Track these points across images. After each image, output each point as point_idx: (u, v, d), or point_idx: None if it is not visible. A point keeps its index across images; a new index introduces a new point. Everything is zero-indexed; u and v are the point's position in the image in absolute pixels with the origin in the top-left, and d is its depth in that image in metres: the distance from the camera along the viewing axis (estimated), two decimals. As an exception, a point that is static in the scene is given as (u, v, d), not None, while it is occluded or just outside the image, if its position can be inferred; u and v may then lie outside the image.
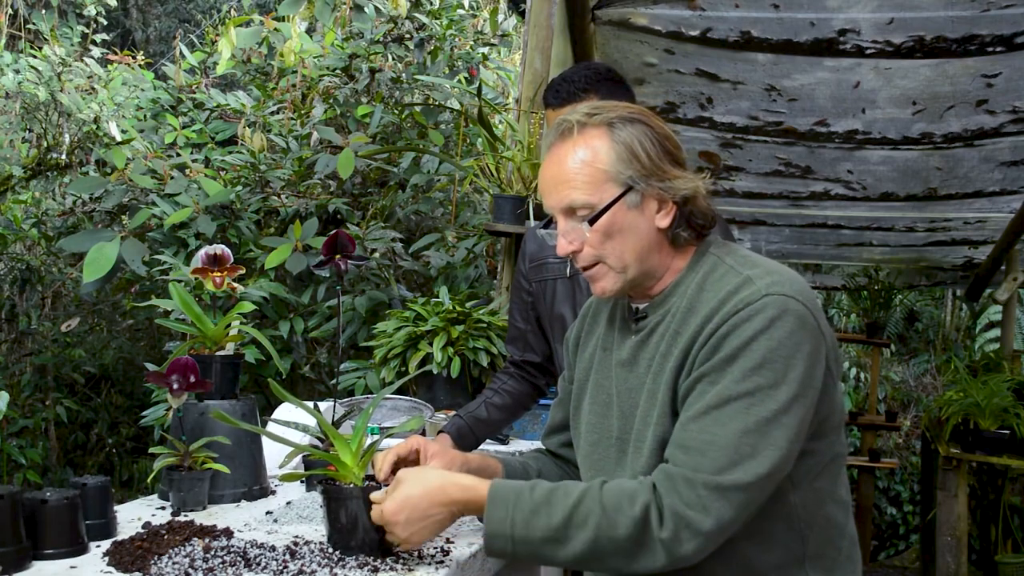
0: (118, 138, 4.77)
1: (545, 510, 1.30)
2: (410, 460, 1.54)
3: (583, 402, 1.56)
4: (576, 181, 1.38)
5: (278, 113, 4.93)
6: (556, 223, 1.44)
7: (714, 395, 1.29)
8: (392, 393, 2.61)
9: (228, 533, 1.57)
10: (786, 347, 1.28)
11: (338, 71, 4.85)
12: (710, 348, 1.31)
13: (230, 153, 4.69)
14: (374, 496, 1.44)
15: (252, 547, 1.48)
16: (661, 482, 1.29)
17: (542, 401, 2.48)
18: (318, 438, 1.81)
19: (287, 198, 4.28)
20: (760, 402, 1.27)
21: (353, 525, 1.46)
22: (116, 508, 1.64)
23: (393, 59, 4.88)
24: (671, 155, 1.40)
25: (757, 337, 1.28)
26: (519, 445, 2.64)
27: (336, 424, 1.84)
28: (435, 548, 1.53)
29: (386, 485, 1.47)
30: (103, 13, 6.17)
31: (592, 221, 1.38)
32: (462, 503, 1.38)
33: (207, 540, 1.50)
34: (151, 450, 1.83)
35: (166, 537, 1.51)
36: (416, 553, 1.50)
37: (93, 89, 5.44)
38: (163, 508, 1.77)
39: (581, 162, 1.38)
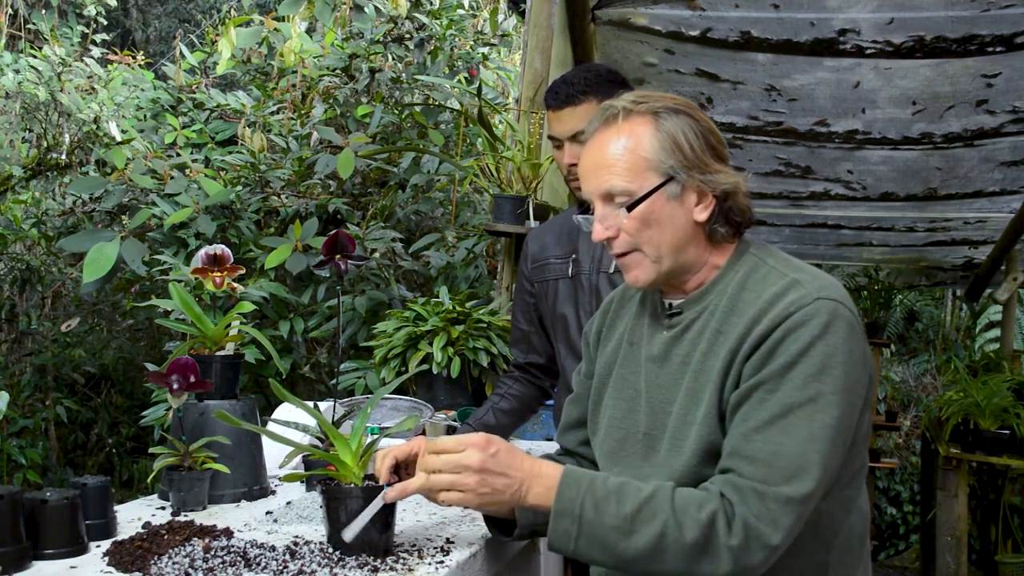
0: (118, 138, 4.77)
1: (616, 498, 1.29)
2: (409, 463, 1.54)
3: (604, 396, 1.54)
4: (617, 167, 1.37)
5: (278, 113, 4.93)
6: (593, 210, 1.42)
7: (775, 403, 1.28)
8: (392, 393, 2.61)
9: (228, 533, 1.57)
10: (842, 352, 1.28)
11: (338, 71, 4.85)
12: (764, 352, 1.30)
13: (230, 153, 4.68)
14: (442, 441, 1.38)
15: (252, 547, 1.48)
16: (730, 493, 1.28)
17: (546, 402, 2.48)
18: (318, 438, 1.81)
19: (287, 198, 4.28)
20: (823, 408, 1.26)
21: (353, 525, 1.46)
22: (116, 508, 1.64)
23: (393, 59, 4.88)
24: (714, 149, 1.39)
25: (815, 343, 1.28)
26: (518, 445, 2.64)
27: (336, 424, 1.84)
28: (435, 548, 1.53)
29: (387, 486, 1.46)
30: (103, 13, 6.17)
31: (630, 208, 1.37)
32: (534, 475, 1.34)
33: (207, 540, 1.50)
34: (151, 450, 1.83)
35: (166, 537, 1.50)
36: (416, 553, 1.49)
37: (93, 89, 5.43)
38: (163, 508, 1.77)
39: (624, 148, 1.38)
